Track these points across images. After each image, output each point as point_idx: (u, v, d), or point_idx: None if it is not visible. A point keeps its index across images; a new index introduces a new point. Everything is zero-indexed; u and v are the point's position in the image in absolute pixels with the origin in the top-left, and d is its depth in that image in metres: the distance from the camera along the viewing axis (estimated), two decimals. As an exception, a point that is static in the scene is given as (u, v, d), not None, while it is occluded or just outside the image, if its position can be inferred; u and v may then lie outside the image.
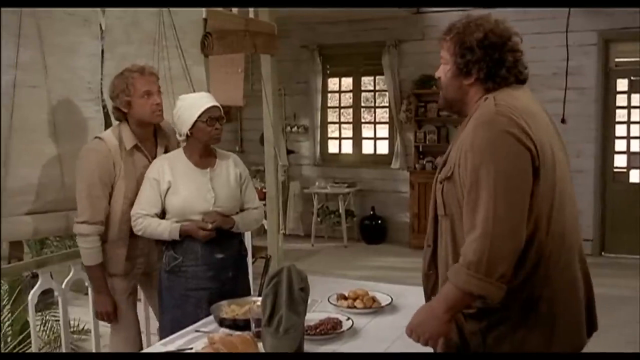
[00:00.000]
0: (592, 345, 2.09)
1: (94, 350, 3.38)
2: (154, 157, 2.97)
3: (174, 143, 3.04)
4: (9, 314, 4.68)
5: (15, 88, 2.81)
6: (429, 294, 2.10)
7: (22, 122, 2.88)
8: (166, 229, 2.83)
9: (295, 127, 9.11)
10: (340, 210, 8.47)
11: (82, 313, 4.01)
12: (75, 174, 2.90)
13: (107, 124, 3.43)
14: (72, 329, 4.52)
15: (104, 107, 3.29)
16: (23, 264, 4.12)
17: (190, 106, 2.84)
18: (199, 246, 2.84)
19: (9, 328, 4.69)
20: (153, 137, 3.02)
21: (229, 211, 2.92)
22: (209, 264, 2.86)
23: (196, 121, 2.83)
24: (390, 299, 2.70)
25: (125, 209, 2.89)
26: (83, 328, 4.72)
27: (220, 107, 2.92)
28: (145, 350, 2.40)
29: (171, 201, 2.85)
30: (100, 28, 3.27)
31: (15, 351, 4.52)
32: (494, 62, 1.98)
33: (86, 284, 3.17)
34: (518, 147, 1.85)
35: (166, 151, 3.02)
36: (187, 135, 2.86)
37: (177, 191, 2.84)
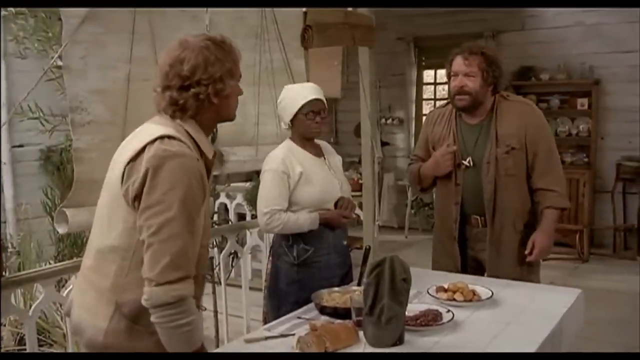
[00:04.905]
0: None
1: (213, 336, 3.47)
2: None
3: None
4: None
5: (129, 82, 2.96)
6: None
7: (136, 114, 3.02)
8: (307, 220, 2.77)
9: (390, 119, 9.08)
10: (434, 203, 8.37)
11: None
12: (156, 189, 1.80)
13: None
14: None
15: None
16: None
17: (293, 97, 2.84)
18: (330, 235, 2.85)
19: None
20: None
21: (348, 197, 2.95)
22: (339, 251, 2.90)
23: (297, 113, 2.81)
24: (490, 293, 2.67)
25: (202, 254, 2.01)
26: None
27: (324, 100, 2.88)
28: (249, 335, 2.46)
29: (304, 192, 2.79)
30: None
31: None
32: (503, 74, 3.14)
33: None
34: None
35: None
36: (289, 125, 2.89)
37: (310, 181, 2.80)
